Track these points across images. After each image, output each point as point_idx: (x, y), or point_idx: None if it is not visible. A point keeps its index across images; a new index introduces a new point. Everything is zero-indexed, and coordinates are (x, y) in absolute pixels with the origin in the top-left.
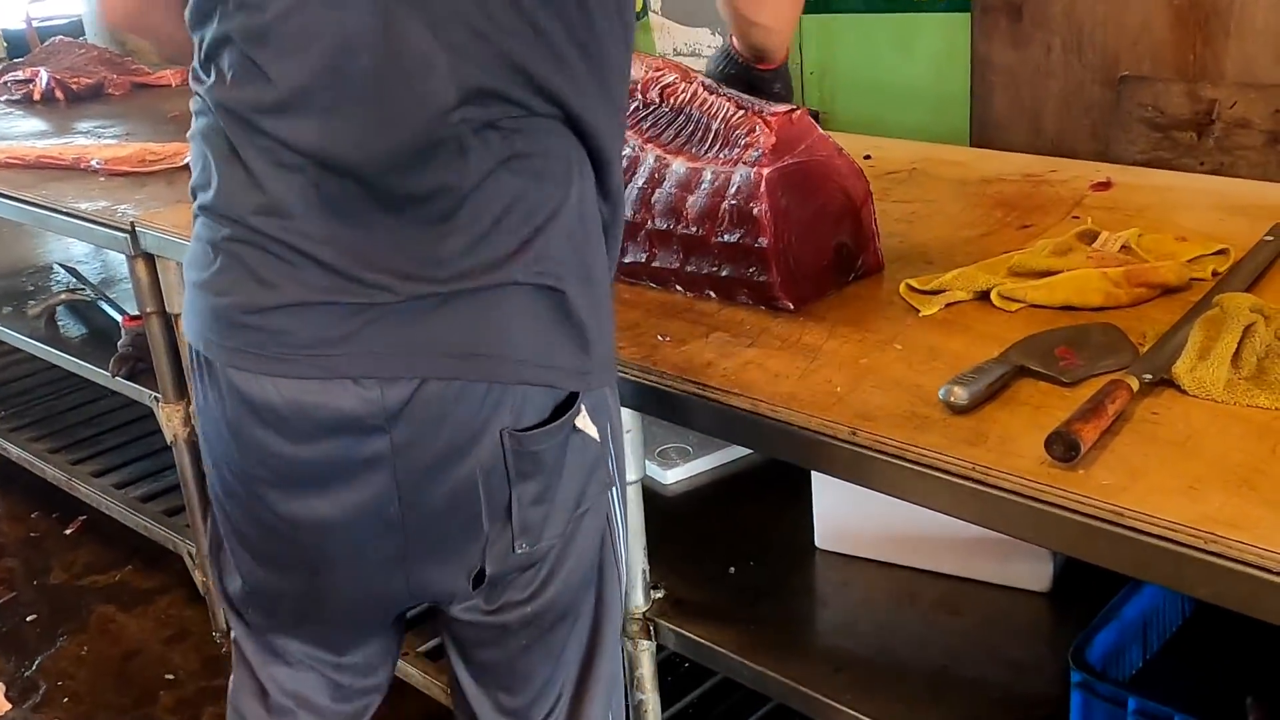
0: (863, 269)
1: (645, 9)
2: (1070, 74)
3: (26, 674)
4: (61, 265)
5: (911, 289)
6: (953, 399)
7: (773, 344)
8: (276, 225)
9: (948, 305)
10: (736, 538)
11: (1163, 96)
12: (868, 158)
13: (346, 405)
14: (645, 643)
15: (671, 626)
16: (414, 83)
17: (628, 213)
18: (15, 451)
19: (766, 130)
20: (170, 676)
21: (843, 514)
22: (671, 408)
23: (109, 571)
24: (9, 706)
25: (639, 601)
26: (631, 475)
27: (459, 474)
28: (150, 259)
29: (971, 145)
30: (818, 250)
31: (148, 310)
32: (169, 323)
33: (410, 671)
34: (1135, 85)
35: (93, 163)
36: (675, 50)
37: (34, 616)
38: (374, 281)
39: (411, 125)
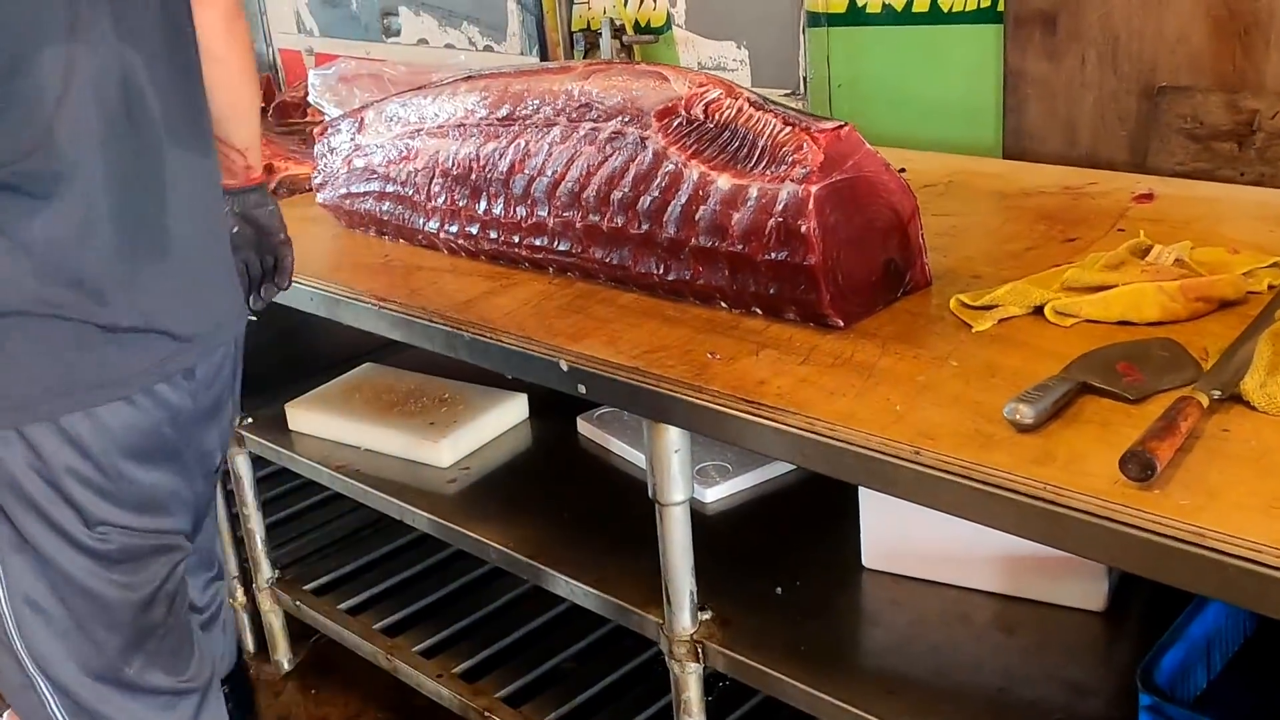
0: (910, 285)
1: (669, 23)
2: (1106, 85)
3: None
4: None
5: (963, 304)
6: (1018, 417)
7: (825, 361)
8: None
9: (1000, 321)
10: (781, 557)
11: (1202, 107)
12: (902, 171)
13: None
14: (693, 665)
15: (720, 649)
16: None
17: (670, 231)
18: None
19: (814, 147)
20: None
21: (890, 532)
22: (724, 428)
23: None
24: None
25: (686, 624)
26: (678, 496)
27: None
28: None
29: (1004, 158)
30: (866, 266)
31: None
32: None
33: (443, 694)
34: (1174, 96)
35: None
36: (700, 65)
37: None
38: None
39: None
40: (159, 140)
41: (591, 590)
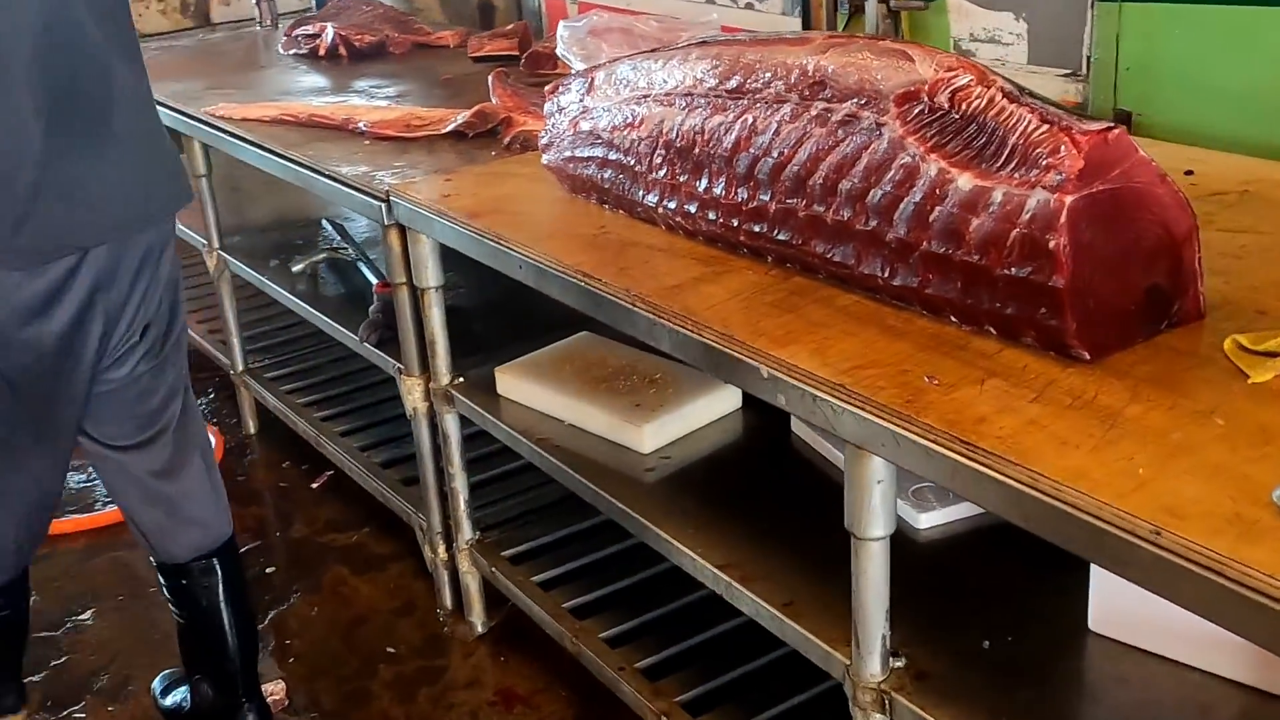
0: (1178, 316)
1: None
2: None
3: (259, 626)
4: (330, 221)
5: (1240, 347)
6: None
7: (1061, 401)
8: None
9: None
10: (996, 604)
11: None
12: (1189, 173)
13: None
14: (879, 717)
15: (909, 704)
16: None
17: (900, 231)
18: (272, 401)
19: (1074, 150)
20: (391, 650)
21: (1127, 594)
22: (934, 467)
23: (347, 531)
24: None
25: (875, 670)
26: (877, 531)
27: None
28: (403, 229)
29: None
30: (1124, 292)
31: (397, 280)
32: (417, 295)
33: (624, 689)
34: None
35: (360, 125)
36: (972, 35)
37: (273, 569)
38: None
39: None
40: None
41: (778, 614)
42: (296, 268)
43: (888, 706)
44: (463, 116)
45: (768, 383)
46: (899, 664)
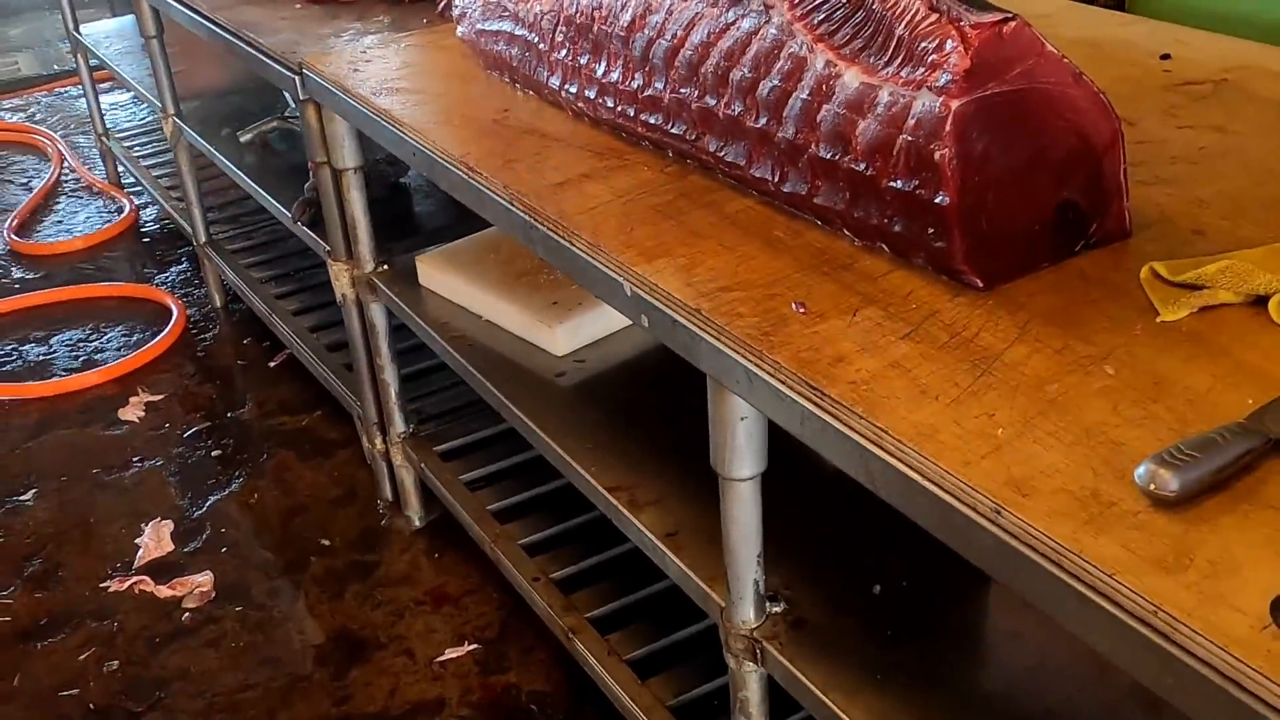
0: (1098, 236)
1: None
2: None
3: (196, 514)
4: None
5: (1156, 276)
6: (1155, 485)
7: (937, 338)
8: None
9: (1203, 309)
10: (899, 546)
11: None
12: (1165, 57)
13: None
14: (751, 665)
15: (779, 657)
16: None
17: (789, 131)
18: (230, 275)
19: (960, 47)
20: (326, 542)
21: None
22: (784, 411)
23: (298, 415)
24: (172, 548)
25: (747, 617)
26: (745, 471)
27: None
28: (319, 105)
29: None
30: (1028, 210)
31: (318, 160)
32: (338, 177)
33: (536, 599)
34: None
35: None
36: None
37: (218, 452)
38: None
39: None
40: None
41: (659, 545)
42: (245, 137)
43: (758, 655)
44: None
45: (631, 302)
46: (777, 609)
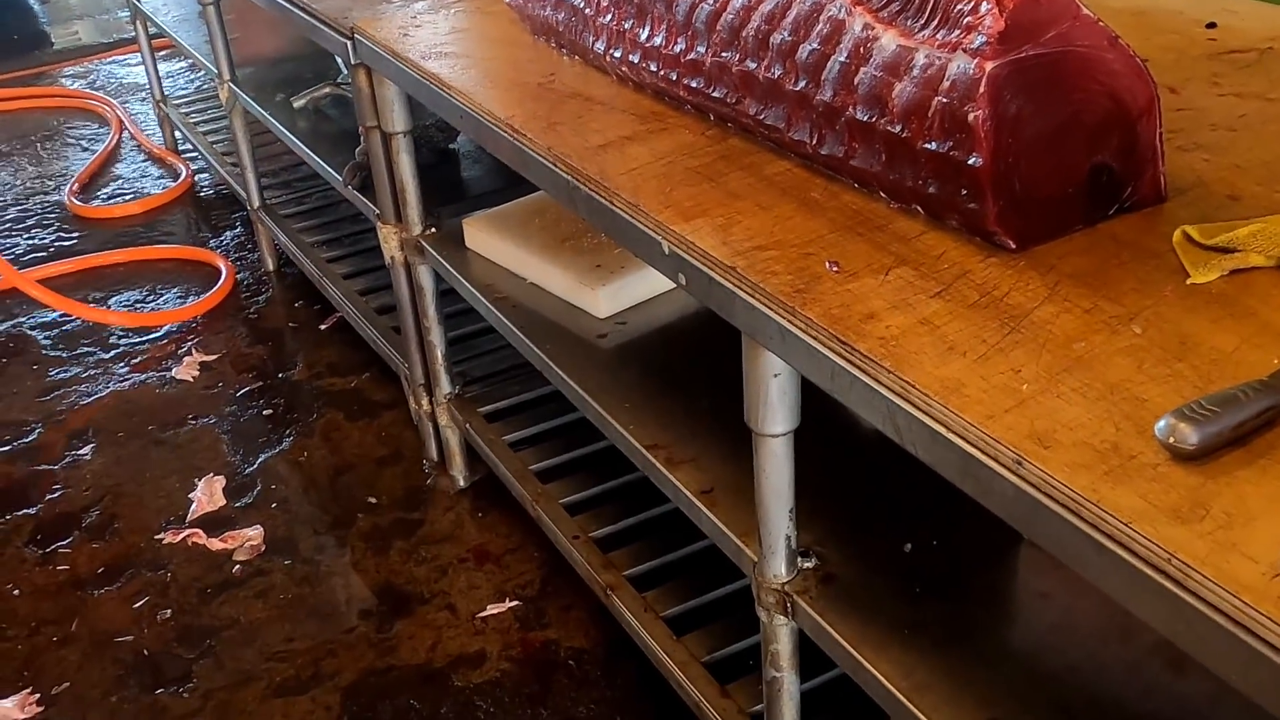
0: (1132, 200)
1: None
2: None
3: (247, 470)
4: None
5: (1189, 239)
6: (1174, 439)
7: (967, 297)
8: None
9: (1233, 272)
10: (931, 505)
11: None
12: (1211, 25)
13: None
14: (781, 619)
15: (809, 610)
16: None
17: (827, 94)
18: (282, 239)
19: (995, 9)
20: (372, 500)
21: None
22: (816, 367)
23: (347, 376)
24: (224, 502)
25: (779, 571)
26: (778, 427)
27: None
28: (369, 70)
29: None
30: (1062, 173)
31: (369, 124)
32: (388, 141)
33: (575, 557)
34: None
35: None
36: None
37: (269, 411)
38: None
39: None
40: None
41: (695, 501)
42: (299, 103)
43: (789, 609)
44: None
45: (669, 260)
46: (809, 565)
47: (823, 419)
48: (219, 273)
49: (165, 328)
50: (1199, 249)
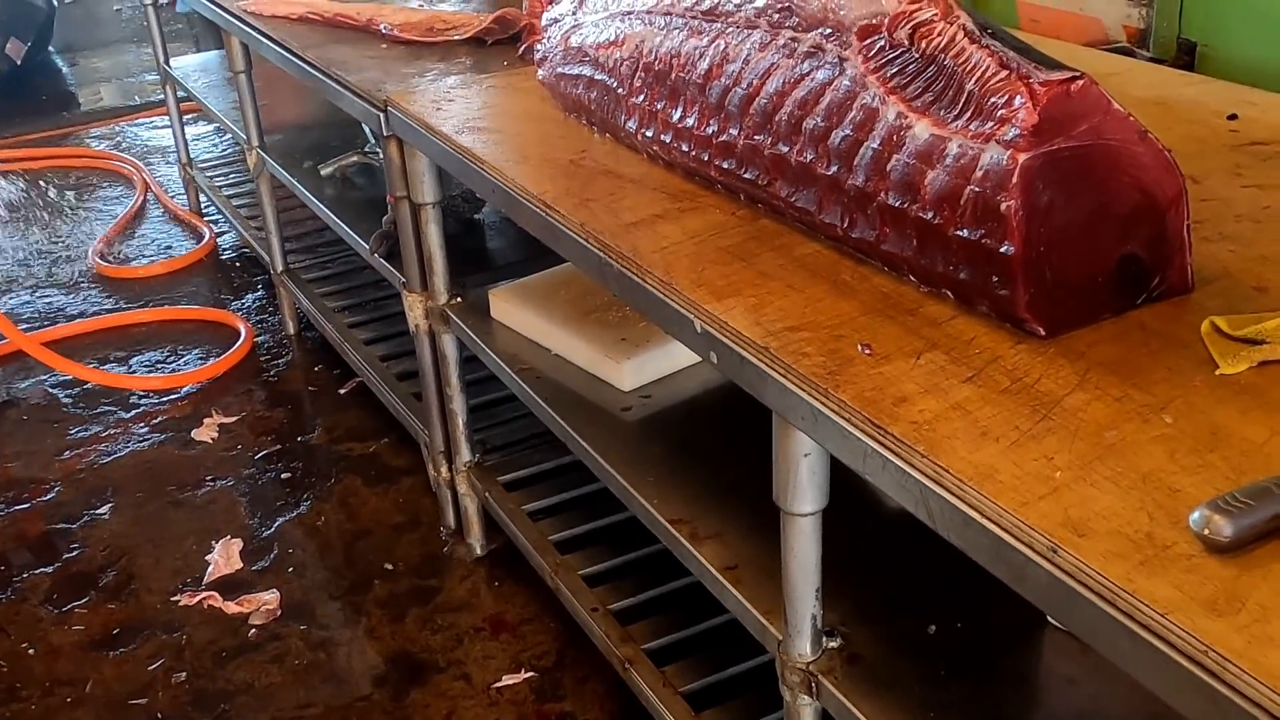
0: (1161, 290)
1: None
2: None
3: (265, 534)
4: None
5: (1217, 330)
6: (1209, 530)
7: (998, 383)
8: None
9: (1262, 364)
10: (954, 586)
11: None
12: (1233, 117)
13: None
14: (805, 699)
15: (835, 691)
16: None
17: (859, 179)
18: (304, 303)
19: (1029, 103)
20: (389, 567)
21: None
22: (849, 448)
23: (366, 441)
24: (240, 565)
25: (804, 650)
26: (807, 507)
27: None
28: (401, 141)
29: None
30: (1091, 262)
31: (398, 194)
32: (417, 211)
33: (594, 630)
34: None
35: (381, 27)
36: None
37: (288, 474)
38: None
39: None
40: None
41: (719, 578)
42: (326, 170)
43: (814, 689)
44: (485, 22)
45: (701, 338)
46: (834, 644)
47: (848, 496)
48: (237, 333)
49: (185, 388)
50: (1227, 340)
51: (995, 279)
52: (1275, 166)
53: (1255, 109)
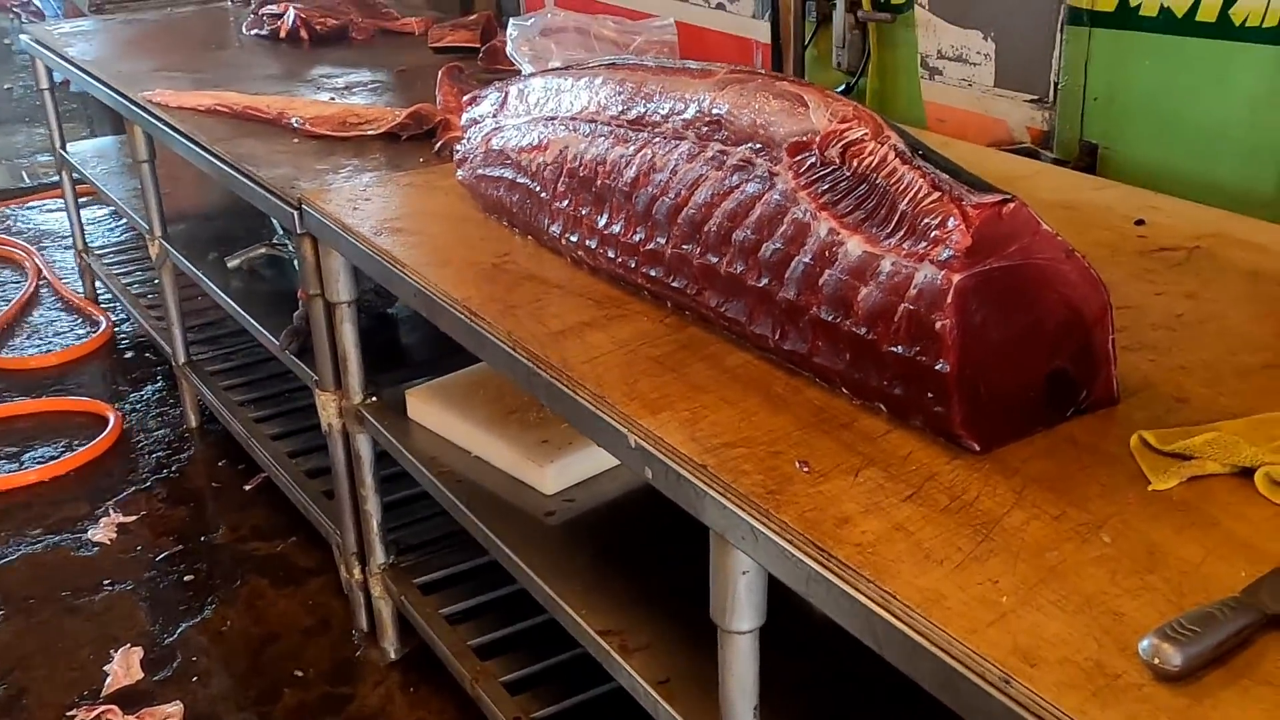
0: (1088, 403)
1: (911, 2)
2: None
3: (167, 641)
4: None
5: (1146, 445)
6: (1159, 660)
7: (937, 501)
8: None
9: (1192, 479)
10: (887, 701)
11: None
12: (1140, 223)
13: None
14: None
15: None
16: None
17: (790, 292)
18: (208, 396)
19: (962, 224)
20: (299, 673)
21: None
22: (791, 570)
23: (273, 540)
24: (141, 676)
25: None
26: (744, 624)
27: None
28: (315, 239)
29: None
30: (1022, 379)
31: (312, 292)
32: (331, 310)
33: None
34: None
35: (293, 121)
36: (940, 53)
37: (190, 577)
38: None
39: None
40: None
41: (651, 692)
42: (233, 263)
43: None
44: (399, 117)
45: (636, 454)
46: None
47: (781, 609)
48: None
49: (81, 489)
50: (1156, 455)
51: (930, 395)
52: (1184, 273)
53: (1160, 214)
